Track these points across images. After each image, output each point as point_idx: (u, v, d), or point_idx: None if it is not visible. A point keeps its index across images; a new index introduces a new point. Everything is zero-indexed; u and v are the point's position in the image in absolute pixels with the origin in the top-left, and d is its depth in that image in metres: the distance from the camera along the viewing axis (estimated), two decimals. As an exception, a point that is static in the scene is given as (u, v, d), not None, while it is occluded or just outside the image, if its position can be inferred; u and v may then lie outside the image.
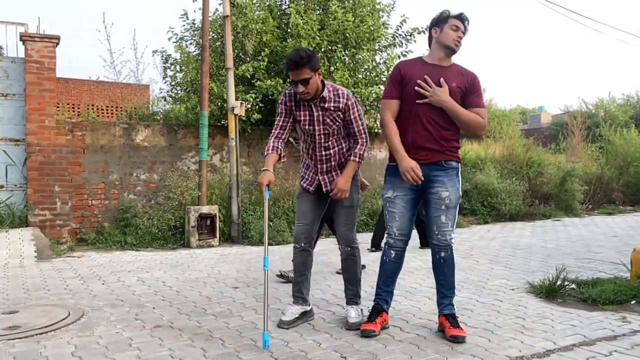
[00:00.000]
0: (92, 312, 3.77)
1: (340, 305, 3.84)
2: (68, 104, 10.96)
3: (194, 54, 8.71)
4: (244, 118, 7.93)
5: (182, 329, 3.37)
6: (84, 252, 6.54)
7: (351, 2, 8.70)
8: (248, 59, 8.22)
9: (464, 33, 3.23)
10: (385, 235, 3.38)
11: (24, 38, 6.77)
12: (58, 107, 7.96)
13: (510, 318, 3.58)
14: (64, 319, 3.55)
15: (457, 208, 3.27)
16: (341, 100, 3.34)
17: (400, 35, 9.06)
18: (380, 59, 9.13)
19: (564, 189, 10.79)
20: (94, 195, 7.39)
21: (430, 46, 3.33)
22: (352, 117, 3.37)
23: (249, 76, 8.00)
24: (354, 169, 3.39)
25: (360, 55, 8.50)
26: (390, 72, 3.39)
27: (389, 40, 9.03)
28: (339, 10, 8.14)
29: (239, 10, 8.18)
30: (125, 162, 7.62)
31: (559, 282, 4.19)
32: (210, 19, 8.01)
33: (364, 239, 7.34)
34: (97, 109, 10.52)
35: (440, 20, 3.24)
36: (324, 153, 3.43)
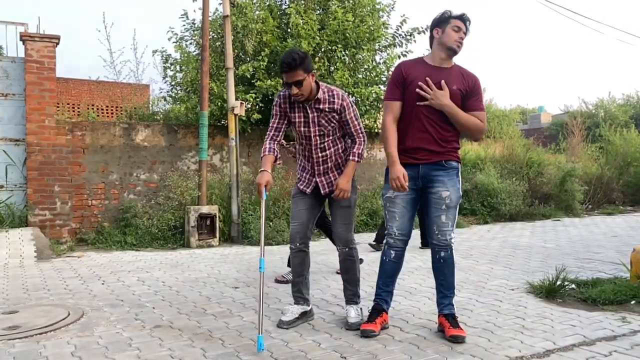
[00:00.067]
0: (92, 312, 3.77)
1: (340, 306, 3.84)
2: (68, 104, 10.95)
3: (194, 53, 8.71)
4: (244, 118, 7.93)
5: (182, 329, 3.38)
6: (84, 252, 6.54)
7: (351, 2, 8.69)
8: (248, 59, 8.22)
9: (465, 34, 3.21)
10: (385, 235, 3.38)
11: (24, 38, 6.77)
12: (58, 107, 7.96)
13: (510, 318, 3.58)
14: (63, 319, 3.55)
15: (458, 208, 3.28)
16: (336, 101, 3.33)
17: (400, 35, 9.06)
18: (380, 59, 9.13)
19: (564, 189, 10.79)
20: (94, 195, 7.39)
21: (431, 47, 3.32)
22: (347, 117, 3.36)
23: (249, 76, 8.00)
24: (354, 169, 3.39)
25: (360, 55, 8.50)
26: (391, 73, 3.37)
27: (389, 40, 9.03)
28: (339, 10, 8.14)
29: (239, 10, 8.18)
30: (125, 162, 7.62)
31: (558, 282, 4.19)
32: (210, 18, 8.01)
33: (364, 239, 7.34)
34: (97, 109, 10.51)
35: (441, 21, 3.22)
36: (320, 154, 3.43)
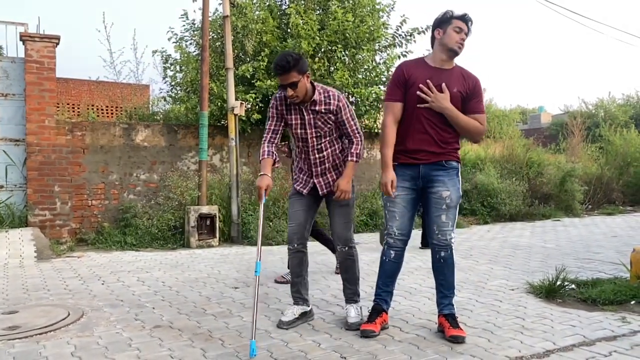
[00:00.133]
0: (91, 312, 3.77)
1: (340, 306, 3.84)
2: (68, 104, 10.95)
3: (194, 54, 8.71)
4: (243, 118, 7.93)
5: (182, 329, 3.38)
6: (84, 252, 6.54)
7: (351, 2, 8.69)
8: (248, 59, 8.22)
9: (467, 34, 3.20)
10: (385, 234, 3.38)
11: (24, 38, 6.77)
12: (58, 107, 7.96)
13: (510, 318, 3.58)
14: (63, 319, 3.55)
15: (458, 208, 3.28)
16: (332, 102, 3.32)
17: (400, 35, 9.06)
18: (380, 59, 9.13)
19: (563, 189, 10.80)
20: (93, 196, 7.39)
21: (432, 47, 3.31)
22: (344, 117, 3.36)
23: (248, 76, 8.00)
24: (353, 169, 3.38)
25: (360, 56, 8.50)
26: (393, 74, 3.36)
27: (389, 41, 9.03)
28: (339, 11, 8.14)
29: (239, 10, 8.18)
30: (125, 162, 7.62)
31: (558, 283, 4.19)
32: (210, 19, 8.01)
33: (364, 240, 7.35)
34: (97, 109, 10.51)
35: (443, 22, 3.20)
36: (317, 156, 3.42)
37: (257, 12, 8.36)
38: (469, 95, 3.22)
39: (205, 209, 7.06)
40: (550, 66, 61.37)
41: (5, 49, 8.20)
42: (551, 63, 61.88)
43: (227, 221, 7.53)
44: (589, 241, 7.22)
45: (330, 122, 3.36)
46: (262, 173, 3.29)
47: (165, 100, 10.00)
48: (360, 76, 8.74)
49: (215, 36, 8.56)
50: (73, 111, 10.54)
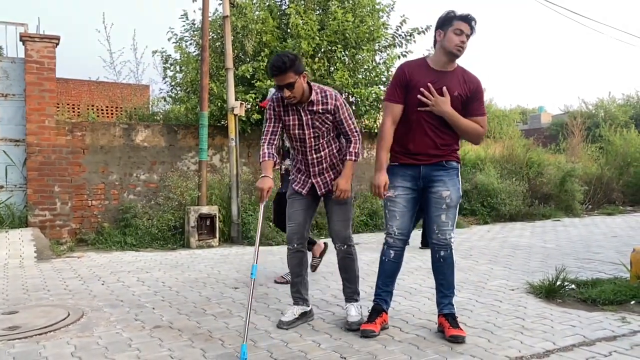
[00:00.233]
0: (91, 313, 3.77)
1: (340, 306, 3.84)
2: (68, 104, 10.96)
3: (194, 54, 8.71)
4: (243, 118, 7.93)
5: (182, 330, 3.38)
6: (84, 252, 6.54)
7: (351, 2, 8.69)
8: (248, 59, 8.22)
9: (469, 35, 3.17)
10: (384, 234, 3.38)
11: (24, 38, 6.77)
12: (58, 107, 7.96)
13: (510, 318, 3.58)
14: (63, 320, 3.55)
15: (458, 208, 3.29)
16: (329, 101, 3.31)
17: (400, 35, 9.05)
18: (380, 59, 9.13)
19: (563, 189, 10.80)
20: (93, 196, 7.39)
21: (435, 47, 3.29)
22: (342, 117, 3.35)
23: (248, 76, 8.00)
24: (352, 169, 3.38)
25: (360, 56, 8.50)
26: (394, 74, 3.36)
27: (388, 41, 9.02)
28: (339, 11, 8.14)
29: (239, 10, 8.18)
30: (125, 163, 7.62)
31: (558, 283, 4.19)
32: (210, 19, 8.01)
33: (363, 240, 7.35)
34: (97, 110, 10.51)
35: (444, 23, 3.18)
36: (315, 156, 3.41)
37: (257, 12, 8.36)
38: (469, 98, 3.22)
39: (205, 209, 7.06)
40: (550, 66, 61.40)
41: (5, 49, 8.20)
42: (551, 63, 61.91)
43: (227, 221, 7.53)
44: (589, 241, 7.22)
45: (328, 122, 3.35)
46: (263, 175, 3.28)
47: (165, 100, 10.00)
48: (360, 76, 8.73)
49: (215, 36, 8.56)
50: (73, 111, 10.54)
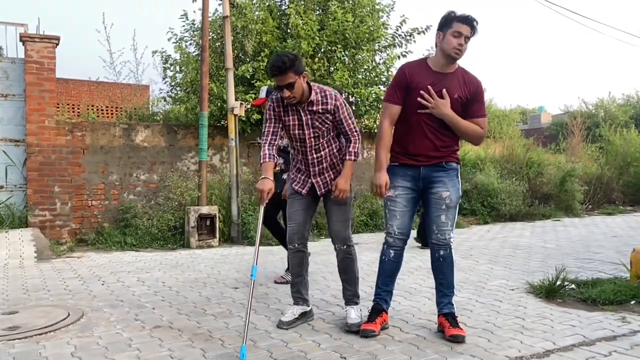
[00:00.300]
0: (91, 313, 3.77)
1: (340, 306, 3.84)
2: (68, 105, 10.96)
3: (194, 54, 8.71)
4: (243, 118, 7.93)
5: (182, 330, 3.38)
6: (84, 252, 6.54)
7: (351, 2, 8.69)
8: (248, 59, 8.22)
9: (469, 37, 3.14)
10: (384, 234, 3.38)
11: (24, 38, 6.77)
12: (58, 107, 7.97)
13: (510, 318, 3.58)
14: (63, 320, 3.55)
15: (457, 208, 3.30)
16: (329, 101, 3.31)
17: (400, 35, 9.05)
18: (380, 59, 9.13)
19: (563, 189, 10.79)
20: (93, 196, 7.39)
21: (436, 48, 3.29)
22: (341, 116, 3.34)
23: (248, 76, 8.00)
24: (351, 168, 3.37)
25: (360, 56, 8.50)
26: (395, 75, 3.35)
27: (388, 41, 9.03)
28: (339, 11, 8.14)
29: (239, 10, 8.18)
30: (125, 163, 7.62)
31: (558, 282, 4.19)
32: (209, 19, 8.01)
33: (363, 240, 7.35)
34: (97, 110, 10.51)
35: (444, 24, 3.17)
36: (315, 156, 3.41)
37: (256, 13, 8.36)
38: (470, 99, 3.22)
39: (205, 209, 7.06)
40: (550, 66, 61.39)
41: (5, 49, 8.19)
42: (551, 63, 61.90)
43: (227, 221, 7.53)
44: (589, 241, 7.22)
45: (328, 122, 3.35)
46: (263, 176, 3.26)
47: (165, 100, 10.01)
48: (360, 76, 8.74)
49: (215, 36, 8.56)
50: (73, 111, 10.55)
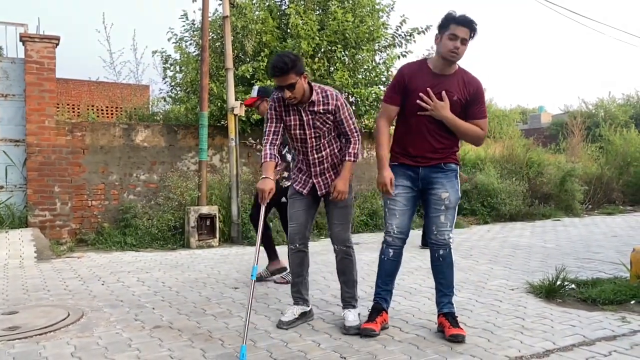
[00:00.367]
0: (91, 313, 3.77)
1: (340, 306, 3.83)
2: (68, 105, 10.95)
3: (194, 54, 8.71)
4: (243, 118, 7.93)
5: (182, 330, 3.38)
6: (84, 252, 6.54)
7: (351, 2, 8.69)
8: (248, 59, 8.22)
9: (468, 39, 3.12)
10: (384, 233, 3.38)
11: (24, 39, 6.77)
12: (58, 107, 7.96)
13: (510, 318, 3.58)
14: (63, 320, 3.55)
15: (456, 209, 3.31)
16: (330, 102, 3.30)
17: (400, 35, 9.05)
18: (380, 59, 9.12)
19: (563, 189, 10.79)
20: (93, 196, 7.39)
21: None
22: (342, 117, 3.34)
23: (248, 76, 8.00)
24: (350, 170, 3.37)
25: (360, 56, 8.50)
26: (394, 76, 3.36)
27: (388, 41, 9.02)
28: (339, 11, 8.14)
29: (239, 10, 8.18)
30: (125, 163, 7.62)
31: (558, 282, 4.19)
32: (209, 19, 8.01)
33: (363, 239, 7.35)
34: (97, 110, 10.50)
35: (442, 26, 3.16)
36: (316, 156, 3.40)
37: (256, 13, 8.36)
38: (469, 101, 3.21)
39: (205, 209, 7.06)
40: (550, 66, 61.37)
41: (5, 49, 8.20)
42: (551, 63, 61.88)
43: (227, 221, 7.53)
44: (589, 241, 7.22)
45: (329, 122, 3.34)
46: (264, 176, 3.26)
47: (165, 100, 10.00)
48: (360, 76, 8.73)
49: (215, 36, 8.56)
50: (73, 112, 10.54)
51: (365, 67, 8.79)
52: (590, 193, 11.65)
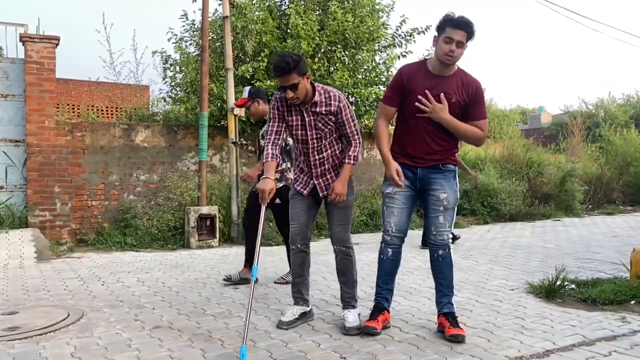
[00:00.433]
0: (91, 313, 3.77)
1: (340, 306, 3.83)
2: (68, 105, 10.95)
3: (194, 54, 8.71)
4: (243, 118, 7.93)
5: (182, 330, 3.38)
6: (84, 252, 6.54)
7: (351, 2, 8.69)
8: (248, 59, 8.22)
9: (464, 42, 3.09)
10: (382, 232, 3.39)
11: (24, 39, 6.77)
12: (58, 107, 7.96)
13: (510, 318, 3.58)
14: (63, 320, 3.55)
15: (455, 209, 3.32)
16: (333, 103, 3.30)
17: (399, 35, 9.06)
18: (380, 60, 9.13)
19: (563, 189, 10.80)
20: (93, 196, 7.39)
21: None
22: (344, 118, 3.34)
23: (248, 77, 8.00)
24: (349, 172, 3.36)
25: (359, 56, 8.50)
26: (393, 77, 3.37)
27: (388, 41, 9.03)
28: (339, 11, 8.14)
29: (239, 10, 8.18)
30: (125, 163, 7.62)
31: (558, 282, 4.19)
32: (209, 19, 8.01)
33: (363, 240, 7.35)
34: (97, 110, 10.50)
35: (439, 28, 3.15)
36: (317, 157, 3.40)
37: (256, 13, 8.36)
38: (468, 102, 3.21)
39: (205, 210, 7.06)
40: (550, 66, 61.37)
41: (5, 49, 8.20)
42: (551, 63, 61.88)
43: (227, 222, 7.53)
44: (589, 241, 7.22)
45: (331, 124, 3.34)
46: (264, 176, 3.26)
47: (165, 100, 10.01)
48: (360, 76, 8.74)
49: (215, 37, 8.56)
50: (73, 112, 10.54)
51: (365, 67, 8.80)
52: (590, 193, 11.65)
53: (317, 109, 3.30)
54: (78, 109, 10.87)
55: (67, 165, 7.06)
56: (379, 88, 8.60)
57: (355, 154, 3.36)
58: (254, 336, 3.21)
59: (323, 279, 4.86)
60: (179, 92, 9.17)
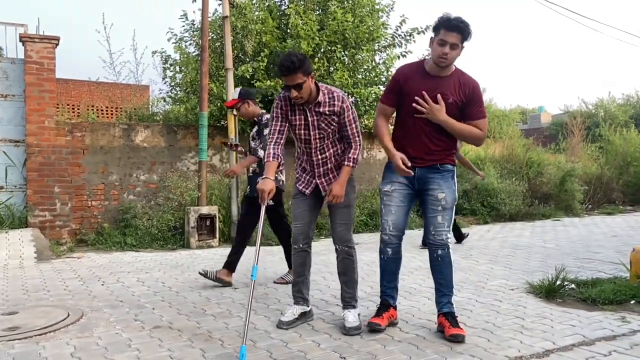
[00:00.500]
0: (91, 313, 3.77)
1: (340, 306, 3.83)
2: (68, 105, 10.96)
3: (194, 54, 8.71)
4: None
5: (182, 330, 3.38)
6: (84, 253, 6.54)
7: (350, 2, 8.70)
8: (247, 59, 8.22)
9: (459, 43, 3.08)
10: (380, 232, 3.39)
11: (24, 39, 6.77)
12: (58, 108, 7.96)
13: (510, 318, 3.58)
14: (63, 320, 3.55)
15: (454, 209, 3.31)
16: (336, 103, 3.31)
17: (399, 35, 9.06)
18: (379, 59, 9.13)
19: (563, 189, 10.80)
20: (93, 196, 7.39)
21: None
22: (346, 119, 3.34)
23: (248, 77, 8.00)
24: (348, 174, 3.36)
25: (359, 56, 8.50)
26: (391, 77, 3.38)
27: (388, 41, 9.03)
28: (339, 11, 8.14)
29: (239, 10, 8.18)
30: (124, 163, 7.62)
31: (558, 282, 4.19)
32: (209, 19, 8.01)
33: (363, 240, 7.35)
34: (97, 110, 10.51)
35: (434, 30, 3.15)
36: (320, 157, 3.41)
37: (256, 13, 8.36)
38: (466, 103, 3.21)
39: (205, 210, 7.06)
40: (550, 66, 61.37)
41: (5, 50, 8.20)
42: (551, 63, 61.88)
43: (227, 221, 7.53)
44: (588, 241, 7.22)
45: (334, 124, 3.35)
46: (265, 176, 3.25)
47: (164, 100, 10.01)
48: (359, 76, 8.74)
49: (214, 37, 8.56)
50: (73, 112, 10.55)
51: (365, 67, 8.80)
52: (590, 193, 11.65)
53: (321, 109, 3.30)
54: (78, 109, 10.87)
55: (67, 166, 7.06)
56: (378, 88, 8.60)
57: (355, 156, 3.36)
58: (254, 336, 3.21)
59: (323, 279, 4.86)
60: (178, 92, 9.17)
